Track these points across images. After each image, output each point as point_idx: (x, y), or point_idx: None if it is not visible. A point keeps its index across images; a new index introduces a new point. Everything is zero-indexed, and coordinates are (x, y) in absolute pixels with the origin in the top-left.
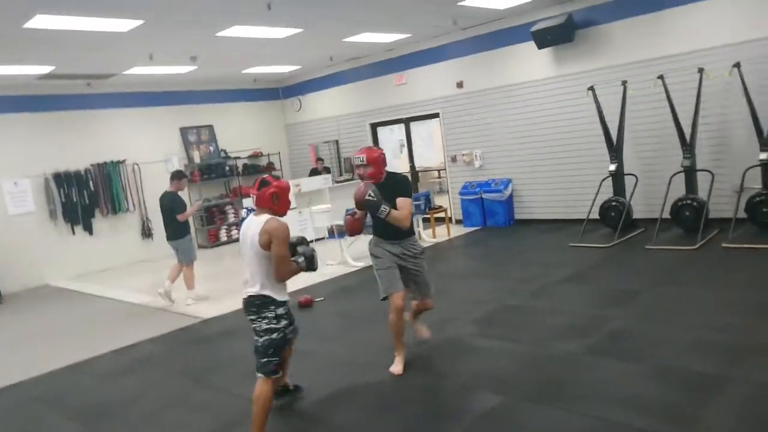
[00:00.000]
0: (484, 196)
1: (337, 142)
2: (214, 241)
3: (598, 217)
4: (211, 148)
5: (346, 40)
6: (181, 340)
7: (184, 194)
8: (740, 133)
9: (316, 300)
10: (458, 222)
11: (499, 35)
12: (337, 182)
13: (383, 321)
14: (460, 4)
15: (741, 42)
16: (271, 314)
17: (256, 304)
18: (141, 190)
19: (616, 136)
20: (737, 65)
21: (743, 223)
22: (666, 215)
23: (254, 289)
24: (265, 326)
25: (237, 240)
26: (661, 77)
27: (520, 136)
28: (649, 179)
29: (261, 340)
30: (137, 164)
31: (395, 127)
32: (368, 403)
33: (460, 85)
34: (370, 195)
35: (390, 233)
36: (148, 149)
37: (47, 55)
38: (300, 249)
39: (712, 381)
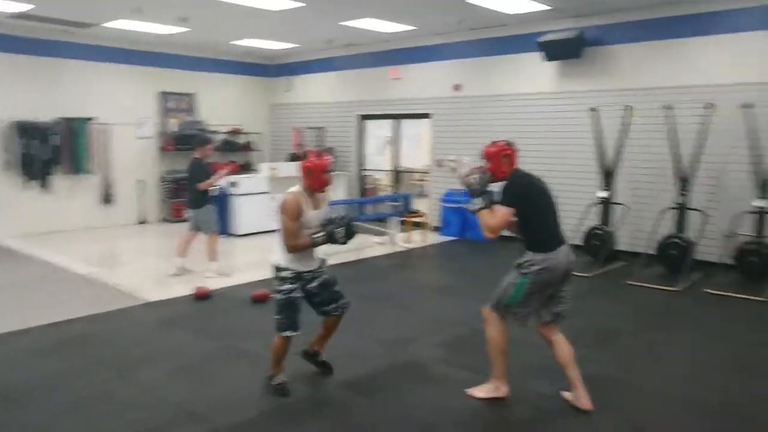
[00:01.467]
0: (464, 206)
1: (323, 129)
2: (177, 216)
3: (581, 243)
4: (190, 118)
5: (347, 23)
6: (119, 322)
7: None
8: (738, 176)
9: (272, 295)
10: (435, 229)
11: (503, 41)
12: None
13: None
14: (469, 1)
15: (754, 83)
16: (279, 276)
17: (273, 266)
18: (107, 152)
19: (612, 162)
20: (749, 106)
21: (729, 270)
22: (651, 251)
23: (275, 256)
24: (275, 287)
25: None
26: (668, 107)
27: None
28: (638, 211)
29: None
30: (107, 124)
31: (384, 122)
32: (324, 425)
33: (457, 87)
34: (474, 177)
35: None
36: (122, 110)
37: None
38: (328, 227)
39: None
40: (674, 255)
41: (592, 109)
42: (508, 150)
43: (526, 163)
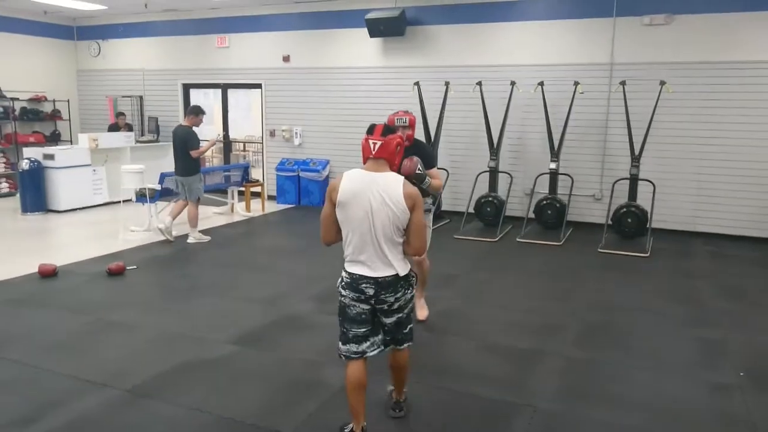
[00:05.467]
0: (302, 174)
1: (141, 98)
2: None
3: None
4: None
5: None
6: None
7: None
8: (536, 143)
9: (129, 268)
10: (271, 198)
11: (332, 16)
12: (140, 142)
13: (211, 293)
14: None
15: (545, 64)
16: (408, 284)
17: (393, 279)
18: None
19: (434, 132)
20: (541, 84)
21: (531, 222)
22: (471, 210)
23: (381, 268)
24: (408, 297)
25: (7, 195)
26: (479, 84)
27: (342, 119)
28: (458, 176)
29: (402, 314)
30: None
31: (211, 91)
32: (215, 380)
33: (286, 59)
34: (419, 169)
35: None
36: None
37: None
38: None
39: (532, 355)
40: (489, 212)
41: (416, 84)
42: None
43: (357, 131)
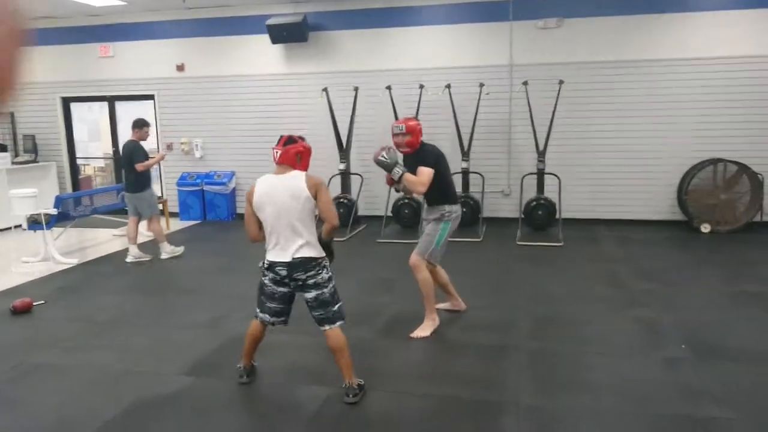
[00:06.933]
0: (206, 188)
1: (12, 114)
2: None
3: None
4: None
5: None
6: None
7: None
8: (446, 144)
9: (36, 303)
10: (173, 215)
11: (229, 22)
12: (17, 163)
13: (142, 322)
14: None
15: (450, 67)
16: (321, 267)
17: (301, 261)
18: None
19: (345, 138)
20: (448, 86)
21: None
22: (389, 213)
23: (290, 252)
24: (318, 281)
25: None
26: (389, 87)
27: (247, 129)
28: (373, 180)
29: (321, 292)
30: None
31: (96, 105)
32: (182, 417)
33: (180, 68)
34: (383, 156)
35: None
36: None
37: None
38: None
39: (497, 351)
40: (407, 213)
41: (324, 89)
42: (421, 125)
43: (264, 140)
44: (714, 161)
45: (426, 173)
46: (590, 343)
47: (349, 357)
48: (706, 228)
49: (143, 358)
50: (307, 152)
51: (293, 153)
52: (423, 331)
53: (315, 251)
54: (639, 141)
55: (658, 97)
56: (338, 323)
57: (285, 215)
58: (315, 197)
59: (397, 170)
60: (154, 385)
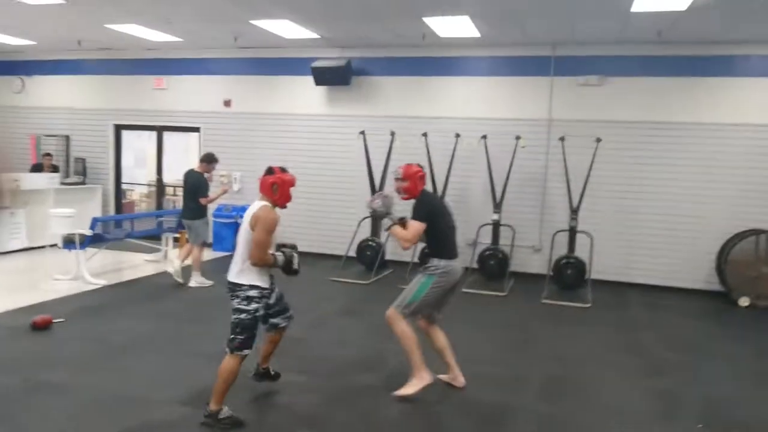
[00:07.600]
0: (240, 220)
1: (68, 137)
2: None
3: (354, 255)
4: None
5: (109, 26)
6: None
7: None
8: (478, 194)
9: (56, 321)
10: (207, 245)
11: (276, 62)
12: (65, 184)
13: (152, 348)
14: (252, 22)
15: (488, 118)
16: (242, 295)
17: (231, 284)
18: None
19: (379, 181)
20: (485, 137)
21: (474, 272)
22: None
23: (232, 273)
24: (236, 305)
25: None
26: (425, 134)
27: (286, 165)
28: None
29: (232, 317)
30: None
31: (145, 133)
32: None
33: (227, 103)
34: (376, 204)
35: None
36: None
37: None
38: (285, 250)
39: (504, 411)
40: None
41: (361, 132)
42: (421, 172)
43: (301, 178)
44: (756, 232)
45: (413, 228)
46: (599, 410)
47: (223, 385)
48: (744, 301)
49: (146, 383)
50: (284, 183)
51: (269, 183)
52: (407, 389)
53: (242, 278)
54: (677, 205)
55: (699, 161)
56: (231, 352)
57: (240, 240)
58: (253, 228)
59: (386, 221)
60: (152, 412)
